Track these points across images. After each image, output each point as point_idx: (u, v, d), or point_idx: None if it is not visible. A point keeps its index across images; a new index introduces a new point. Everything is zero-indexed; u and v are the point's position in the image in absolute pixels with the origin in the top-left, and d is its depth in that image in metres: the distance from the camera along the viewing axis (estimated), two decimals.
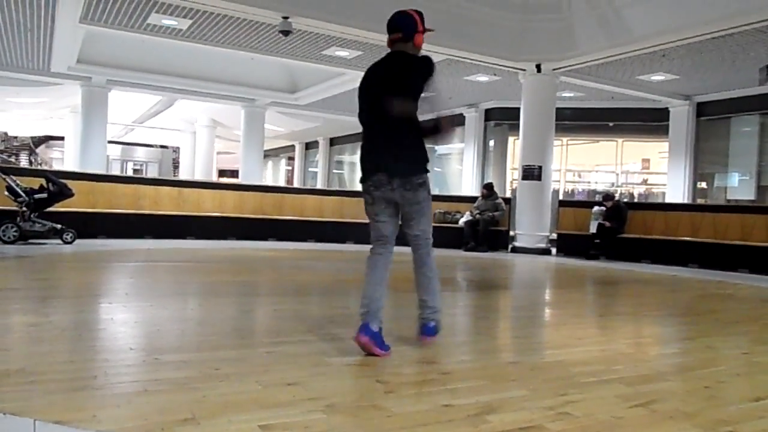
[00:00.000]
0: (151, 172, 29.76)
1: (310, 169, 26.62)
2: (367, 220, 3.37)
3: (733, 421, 2.31)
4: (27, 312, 3.94)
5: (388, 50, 3.37)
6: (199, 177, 22.54)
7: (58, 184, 8.50)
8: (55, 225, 8.45)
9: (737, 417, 2.37)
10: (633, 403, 2.47)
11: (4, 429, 1.95)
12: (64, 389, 2.34)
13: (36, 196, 8.32)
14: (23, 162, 29.37)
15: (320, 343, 3.33)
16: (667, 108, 13.95)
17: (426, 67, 3.22)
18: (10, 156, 29.15)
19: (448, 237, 11.72)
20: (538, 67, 11.13)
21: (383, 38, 11.03)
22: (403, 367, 2.93)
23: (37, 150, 30.50)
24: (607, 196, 11.04)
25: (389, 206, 3.26)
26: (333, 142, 24.01)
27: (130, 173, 29.01)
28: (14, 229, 8.13)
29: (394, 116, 3.17)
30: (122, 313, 4.05)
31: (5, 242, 8.01)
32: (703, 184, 14.34)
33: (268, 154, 27.06)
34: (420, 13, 3.33)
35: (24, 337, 3.24)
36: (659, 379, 2.90)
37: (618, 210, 10.62)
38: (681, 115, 13.81)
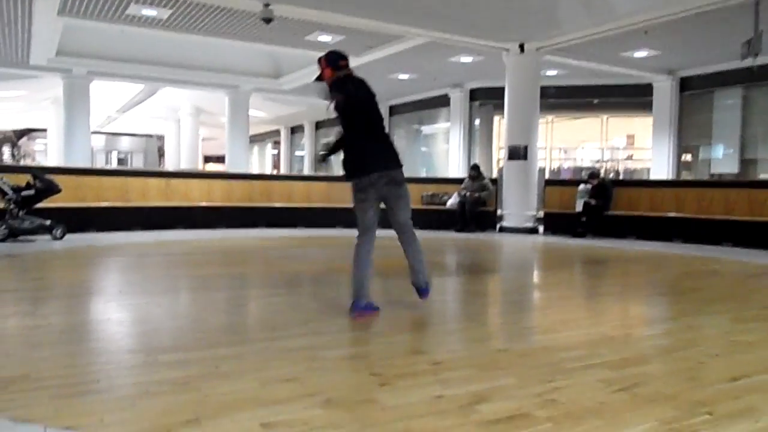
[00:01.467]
0: (137, 162, 29.64)
1: (296, 153, 26.57)
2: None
3: (710, 402, 2.44)
4: (25, 314, 3.99)
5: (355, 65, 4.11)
6: (184, 164, 22.47)
7: (44, 181, 8.46)
8: (44, 221, 8.44)
9: (715, 398, 2.49)
10: (616, 388, 2.58)
11: None
12: (69, 394, 2.41)
13: (23, 193, 8.29)
14: (6, 155, 29.10)
15: (314, 337, 3.42)
16: (650, 84, 14.06)
17: None
18: None
19: (436, 219, 11.85)
20: (522, 47, 11.16)
21: (365, 23, 10.93)
22: (396, 358, 3.03)
23: (19, 143, 30.17)
24: (593, 174, 11.16)
25: (377, 202, 3.94)
26: (318, 125, 23.97)
27: (114, 163, 28.85)
28: (3, 226, 8.11)
29: (380, 127, 3.96)
30: (118, 312, 4.12)
31: None
32: (688, 157, 14.53)
33: (254, 140, 26.94)
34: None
35: (24, 341, 3.30)
36: (642, 362, 3.02)
37: (603, 188, 10.75)
38: (664, 90, 13.93)
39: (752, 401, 2.48)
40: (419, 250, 4.05)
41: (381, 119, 3.99)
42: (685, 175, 14.26)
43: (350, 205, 4.02)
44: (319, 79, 4.00)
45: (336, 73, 3.92)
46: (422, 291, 4.13)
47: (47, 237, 8.43)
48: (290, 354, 3.06)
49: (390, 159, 3.93)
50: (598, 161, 16.81)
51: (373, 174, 3.84)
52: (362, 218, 3.94)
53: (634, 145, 17.02)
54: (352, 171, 3.91)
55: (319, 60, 3.98)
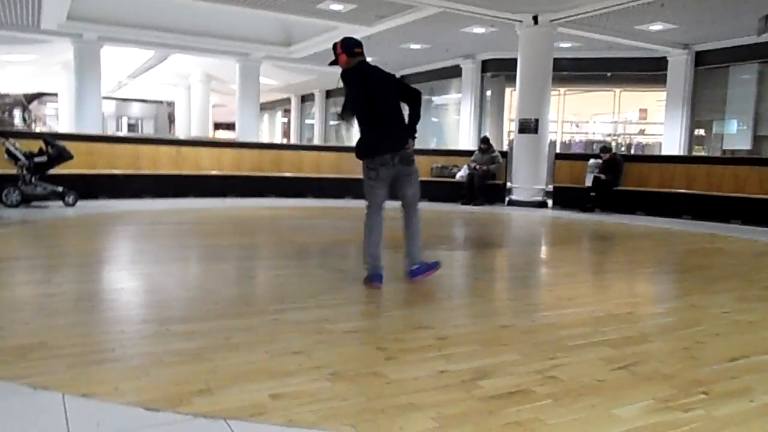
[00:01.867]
0: (147, 128, 29.65)
1: (306, 122, 26.49)
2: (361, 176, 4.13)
3: (707, 381, 2.50)
4: (40, 282, 4.09)
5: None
6: (195, 131, 22.48)
7: (57, 147, 8.53)
8: (56, 188, 8.53)
9: (711, 378, 2.55)
10: (615, 366, 2.64)
11: (33, 403, 2.11)
12: (85, 362, 2.50)
13: (36, 159, 8.37)
14: (17, 119, 29.19)
15: (322, 310, 3.49)
16: (665, 57, 13.86)
17: None
18: (3, 113, 28.94)
19: (444, 191, 11.85)
20: (535, 19, 11.01)
21: None
22: (402, 333, 3.10)
23: (30, 106, 30.24)
24: (604, 149, 11.11)
25: (387, 180, 4.06)
26: (329, 94, 23.84)
27: (125, 129, 28.89)
28: (16, 192, 8.22)
29: (395, 108, 4.11)
30: (131, 281, 4.21)
31: (8, 206, 8.12)
32: (701, 132, 14.40)
33: (264, 108, 26.85)
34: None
35: (41, 309, 3.39)
36: (642, 341, 3.08)
37: (614, 163, 10.70)
38: (679, 64, 13.73)
39: (748, 381, 2.53)
40: (417, 230, 4.18)
41: (398, 101, 4.14)
42: (698, 151, 14.15)
43: (359, 175, 4.12)
44: (333, 63, 4.11)
45: (351, 60, 4.02)
46: (409, 272, 4.20)
47: (59, 203, 8.54)
48: (298, 326, 3.14)
49: (402, 139, 4.06)
50: (609, 135, 16.67)
51: (387, 154, 3.98)
52: (371, 195, 4.07)
53: (647, 120, 16.85)
54: (367, 150, 4.03)
55: (335, 46, 4.06)
